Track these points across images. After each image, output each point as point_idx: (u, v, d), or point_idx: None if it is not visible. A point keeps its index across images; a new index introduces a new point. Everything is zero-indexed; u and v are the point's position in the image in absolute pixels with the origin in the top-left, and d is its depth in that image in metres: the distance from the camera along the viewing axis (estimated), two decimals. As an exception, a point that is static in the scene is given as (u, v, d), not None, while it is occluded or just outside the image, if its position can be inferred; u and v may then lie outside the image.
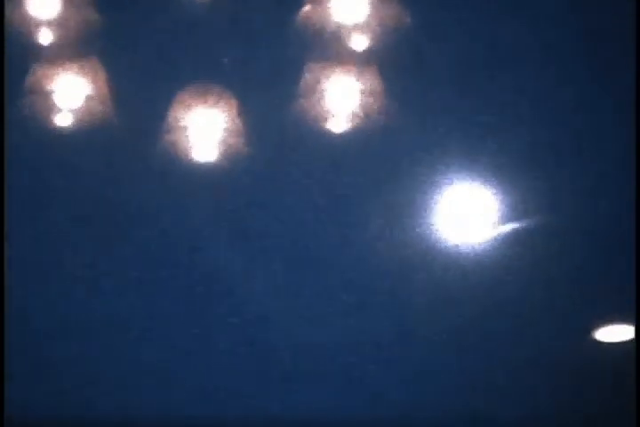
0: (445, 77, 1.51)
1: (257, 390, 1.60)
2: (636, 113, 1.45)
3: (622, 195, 1.48)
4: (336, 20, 1.50)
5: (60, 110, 1.44)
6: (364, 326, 1.51)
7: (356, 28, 1.49)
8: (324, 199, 1.49)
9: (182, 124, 1.43)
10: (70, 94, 1.48)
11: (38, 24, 1.49)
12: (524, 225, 1.46)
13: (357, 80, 1.49)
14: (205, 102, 1.46)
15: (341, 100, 1.47)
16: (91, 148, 1.47)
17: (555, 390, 1.55)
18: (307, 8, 1.51)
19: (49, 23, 1.49)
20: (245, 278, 1.49)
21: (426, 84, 1.51)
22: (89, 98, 1.45)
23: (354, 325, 1.51)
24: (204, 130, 1.46)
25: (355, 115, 1.45)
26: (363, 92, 1.47)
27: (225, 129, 1.45)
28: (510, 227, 1.47)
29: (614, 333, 1.55)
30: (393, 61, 1.50)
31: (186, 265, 1.50)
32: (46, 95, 1.48)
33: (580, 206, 1.49)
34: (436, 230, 1.49)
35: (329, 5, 1.51)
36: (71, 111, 1.45)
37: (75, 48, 1.49)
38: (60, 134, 1.47)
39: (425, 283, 1.50)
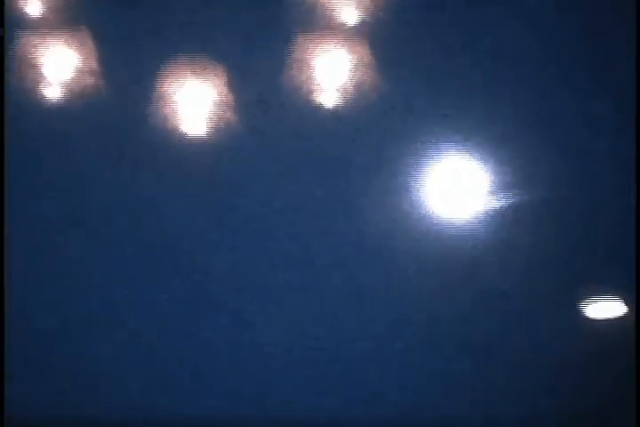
0: (435, 50, 1.50)
1: (256, 391, 1.60)
2: (635, 95, 1.44)
3: (615, 170, 1.47)
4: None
5: (47, 82, 1.44)
6: (358, 310, 1.51)
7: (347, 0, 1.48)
8: (314, 171, 1.48)
9: (169, 95, 1.43)
10: (58, 66, 1.47)
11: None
12: (513, 199, 1.46)
13: (347, 52, 1.47)
14: (193, 74, 1.45)
15: (331, 72, 1.46)
16: (78, 120, 1.46)
17: (547, 365, 1.55)
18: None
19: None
20: (234, 257, 1.49)
21: (415, 57, 1.49)
22: (77, 70, 1.44)
23: (346, 308, 1.50)
24: (192, 101, 1.45)
25: (345, 87, 1.45)
26: (352, 65, 1.46)
27: (213, 101, 1.44)
28: (501, 201, 1.46)
29: (606, 309, 1.55)
30: (382, 33, 1.49)
31: (179, 247, 1.49)
32: (35, 67, 1.47)
33: (572, 181, 1.49)
34: (427, 206, 1.48)
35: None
36: (60, 83, 1.44)
37: (63, 20, 1.48)
38: (48, 106, 1.46)
39: (417, 259, 1.49)
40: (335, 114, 1.47)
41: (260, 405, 1.61)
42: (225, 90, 1.44)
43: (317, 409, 1.62)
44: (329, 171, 1.50)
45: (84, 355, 1.59)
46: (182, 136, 1.44)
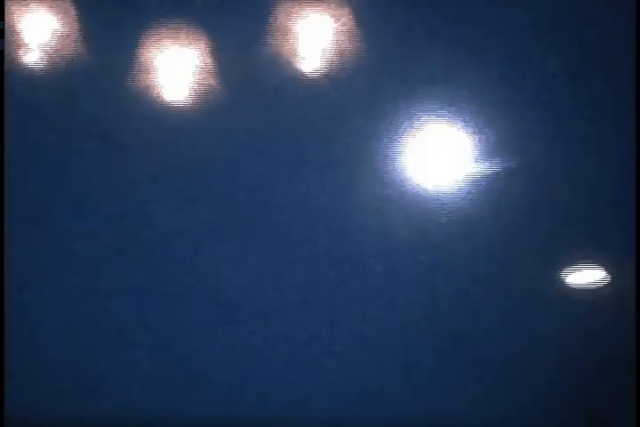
0: (421, 20, 1.48)
1: (257, 390, 1.60)
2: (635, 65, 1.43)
3: (606, 134, 1.45)
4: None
5: (28, 48, 1.43)
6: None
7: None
8: (298, 137, 1.47)
9: (153, 63, 1.42)
10: (39, 32, 1.46)
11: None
12: (500, 164, 1.45)
13: (330, 19, 1.46)
14: (176, 41, 1.44)
15: (314, 38, 1.45)
16: (58, 87, 1.45)
17: (530, 329, 1.55)
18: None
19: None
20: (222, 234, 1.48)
21: (401, 24, 1.48)
22: (58, 36, 1.43)
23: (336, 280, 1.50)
24: (175, 69, 1.44)
25: (329, 54, 1.43)
26: (335, 32, 1.45)
27: (196, 68, 1.43)
28: (487, 166, 1.45)
29: (588, 275, 1.54)
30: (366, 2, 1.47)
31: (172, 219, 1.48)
32: (16, 33, 1.46)
33: (559, 148, 1.47)
34: (415, 171, 1.47)
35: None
36: (40, 49, 1.43)
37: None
38: (29, 73, 1.45)
39: (404, 227, 1.47)
40: (318, 82, 1.46)
41: (260, 405, 1.61)
42: (206, 57, 1.43)
43: (318, 409, 1.62)
44: (314, 139, 1.48)
45: (83, 355, 1.59)
46: (164, 104, 1.43)
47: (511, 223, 1.50)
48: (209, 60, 1.42)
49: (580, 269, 1.54)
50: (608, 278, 1.55)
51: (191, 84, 1.43)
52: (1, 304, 1.53)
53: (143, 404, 1.61)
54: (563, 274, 1.54)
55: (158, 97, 1.42)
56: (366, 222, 1.51)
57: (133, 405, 1.61)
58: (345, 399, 1.60)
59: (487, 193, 1.46)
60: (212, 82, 1.41)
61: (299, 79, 1.44)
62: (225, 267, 1.57)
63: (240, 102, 1.46)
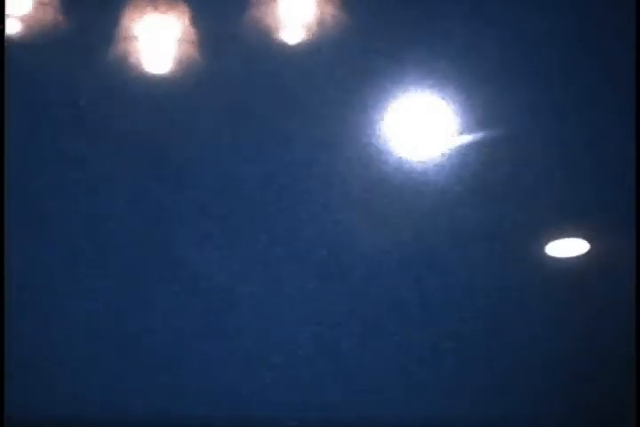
0: None
1: (256, 390, 1.60)
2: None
3: (588, 108, 1.44)
4: None
5: (8, 17, 1.42)
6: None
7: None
8: (279, 108, 1.46)
9: (133, 32, 1.40)
10: (20, 0, 1.45)
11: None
12: (483, 135, 1.43)
13: None
14: (156, 10, 1.42)
15: (295, 9, 1.43)
16: (39, 54, 1.44)
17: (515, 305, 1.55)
18: None
19: None
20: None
21: None
22: (38, 4, 1.42)
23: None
24: (155, 39, 1.42)
25: (310, 24, 1.42)
26: (317, 2, 1.43)
27: (177, 38, 1.42)
28: (470, 137, 1.44)
29: (570, 247, 1.53)
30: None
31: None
32: None
33: (543, 117, 1.46)
34: (398, 142, 1.45)
35: None
36: (20, 18, 1.42)
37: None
38: (9, 41, 1.44)
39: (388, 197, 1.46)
40: (305, 50, 1.44)
41: (260, 405, 1.61)
42: (190, 27, 1.42)
43: (318, 408, 1.62)
44: (296, 109, 1.46)
45: (83, 356, 1.59)
46: (146, 73, 1.41)
47: (496, 194, 1.48)
48: (189, 30, 1.41)
49: (567, 241, 1.53)
50: (595, 250, 1.53)
51: (171, 53, 1.42)
52: (1, 304, 1.53)
53: (143, 404, 1.61)
54: (549, 246, 1.53)
55: (137, 66, 1.41)
56: (353, 201, 1.49)
57: (133, 405, 1.61)
58: (344, 399, 1.61)
59: (470, 164, 1.45)
60: (193, 51, 1.40)
61: (280, 48, 1.42)
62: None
63: (220, 72, 1.45)
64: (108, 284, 1.58)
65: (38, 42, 1.41)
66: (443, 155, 1.44)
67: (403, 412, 1.62)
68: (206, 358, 1.61)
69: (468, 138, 1.44)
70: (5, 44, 1.43)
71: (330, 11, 1.41)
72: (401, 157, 1.45)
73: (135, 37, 1.41)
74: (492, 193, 1.48)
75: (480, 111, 1.41)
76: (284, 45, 1.42)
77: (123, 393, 1.61)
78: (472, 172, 1.45)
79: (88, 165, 1.45)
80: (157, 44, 1.45)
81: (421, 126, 1.45)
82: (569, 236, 1.53)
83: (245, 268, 1.56)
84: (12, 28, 1.42)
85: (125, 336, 1.59)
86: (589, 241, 1.53)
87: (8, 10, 1.42)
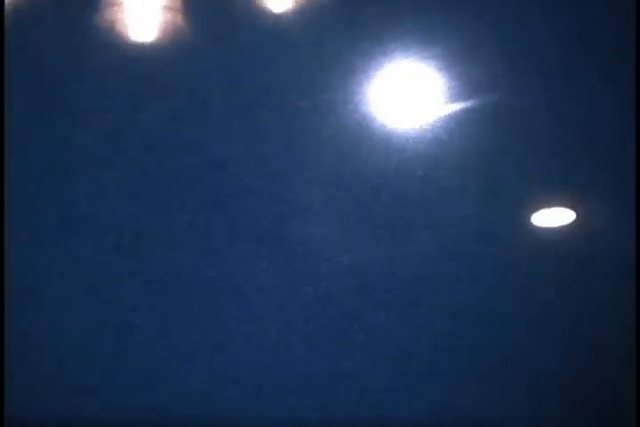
0: None
1: (255, 390, 1.61)
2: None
3: (584, 75, 1.43)
4: None
5: None
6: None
7: None
8: (267, 78, 1.44)
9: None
10: None
11: None
12: (470, 104, 1.42)
13: None
14: None
15: None
16: (20, 21, 1.43)
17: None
18: None
19: None
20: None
21: None
22: None
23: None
24: (141, 5, 1.41)
25: None
26: None
27: (163, 5, 1.41)
28: (456, 105, 1.42)
29: (555, 216, 1.52)
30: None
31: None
32: None
33: (532, 85, 1.44)
34: (386, 109, 1.44)
35: None
36: None
37: None
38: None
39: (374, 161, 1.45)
40: (288, 21, 1.43)
41: (258, 403, 1.61)
42: None
43: (318, 408, 1.62)
44: (285, 79, 1.45)
45: (83, 356, 1.59)
46: (128, 40, 1.40)
47: (485, 163, 1.46)
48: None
49: (554, 211, 1.51)
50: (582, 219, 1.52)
51: (157, 22, 1.41)
52: (1, 304, 1.53)
53: (143, 404, 1.61)
54: (538, 216, 1.52)
55: (123, 32, 1.40)
56: (342, 167, 1.48)
57: (133, 405, 1.61)
58: (343, 398, 1.61)
59: (456, 133, 1.43)
60: (180, 21, 1.39)
61: (267, 15, 1.41)
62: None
63: (206, 40, 1.43)
64: (109, 284, 1.58)
65: (22, 7, 1.40)
66: (429, 123, 1.43)
67: (402, 412, 1.62)
68: (204, 357, 1.61)
69: (454, 106, 1.43)
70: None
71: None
72: (388, 125, 1.43)
73: (121, 3, 1.40)
74: (478, 162, 1.46)
75: (469, 80, 1.40)
76: (270, 12, 1.40)
77: (123, 393, 1.61)
78: (458, 140, 1.43)
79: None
80: (143, 11, 1.43)
81: (410, 93, 1.43)
82: (556, 205, 1.51)
83: (245, 263, 1.57)
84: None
85: (126, 336, 1.59)
86: (575, 211, 1.51)
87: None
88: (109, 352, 1.60)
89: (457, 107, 1.43)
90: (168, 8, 1.41)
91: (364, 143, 1.44)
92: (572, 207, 1.51)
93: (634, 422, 1.49)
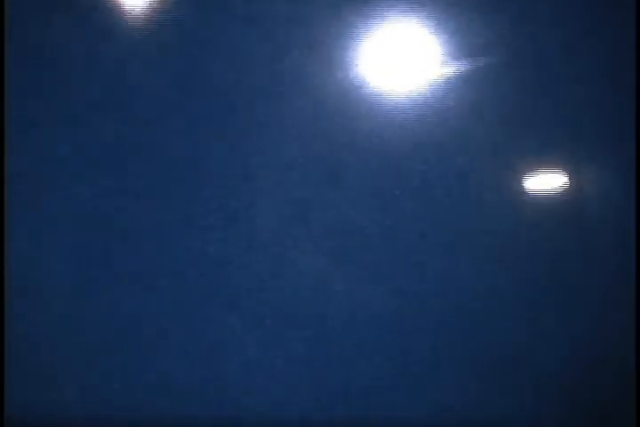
0: None
1: (255, 390, 1.60)
2: None
3: (589, 44, 1.41)
4: None
5: None
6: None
7: None
8: (255, 43, 1.43)
9: None
10: None
11: None
12: (471, 64, 1.41)
13: None
14: None
15: None
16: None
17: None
18: None
19: None
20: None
21: None
22: None
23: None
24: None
25: None
26: None
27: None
28: (456, 66, 1.41)
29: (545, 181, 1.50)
30: None
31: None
32: None
33: (526, 45, 1.43)
34: (377, 74, 1.42)
35: None
36: None
37: None
38: None
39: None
40: None
41: (258, 403, 1.61)
42: None
43: (318, 408, 1.62)
44: (275, 44, 1.44)
45: (84, 355, 1.59)
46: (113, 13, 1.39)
47: (484, 127, 1.45)
48: None
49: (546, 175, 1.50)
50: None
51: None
52: (1, 304, 1.53)
53: (144, 404, 1.61)
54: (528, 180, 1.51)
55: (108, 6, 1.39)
56: (337, 135, 1.47)
57: (134, 405, 1.61)
58: (341, 398, 1.60)
59: (452, 94, 1.42)
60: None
61: None
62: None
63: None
64: (108, 284, 1.58)
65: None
66: (425, 84, 1.42)
67: (402, 412, 1.62)
68: (204, 357, 1.61)
69: (450, 68, 1.41)
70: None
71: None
72: (385, 87, 1.42)
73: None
74: (475, 127, 1.44)
75: (467, 40, 1.39)
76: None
77: (123, 393, 1.61)
78: (454, 102, 1.42)
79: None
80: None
81: (408, 53, 1.42)
82: (549, 169, 1.50)
83: (248, 249, 1.57)
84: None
85: (126, 336, 1.59)
86: (568, 174, 1.50)
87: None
88: (110, 352, 1.60)
89: (451, 67, 1.41)
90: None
91: (357, 105, 1.42)
92: (565, 171, 1.50)
93: (634, 423, 1.49)
